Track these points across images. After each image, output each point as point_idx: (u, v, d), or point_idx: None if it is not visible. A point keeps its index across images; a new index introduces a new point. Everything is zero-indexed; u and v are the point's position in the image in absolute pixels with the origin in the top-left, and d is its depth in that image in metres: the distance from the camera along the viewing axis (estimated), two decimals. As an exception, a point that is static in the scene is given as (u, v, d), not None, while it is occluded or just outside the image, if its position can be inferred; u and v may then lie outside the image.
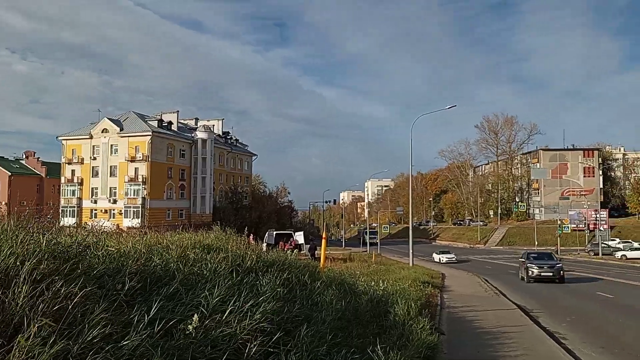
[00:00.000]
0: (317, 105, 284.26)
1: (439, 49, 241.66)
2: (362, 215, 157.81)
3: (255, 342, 4.01)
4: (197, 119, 78.88)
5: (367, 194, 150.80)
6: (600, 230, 59.53)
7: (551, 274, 24.32)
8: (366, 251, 50.99)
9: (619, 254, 48.78)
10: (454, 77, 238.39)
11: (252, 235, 16.08)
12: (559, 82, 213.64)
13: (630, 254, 47.75)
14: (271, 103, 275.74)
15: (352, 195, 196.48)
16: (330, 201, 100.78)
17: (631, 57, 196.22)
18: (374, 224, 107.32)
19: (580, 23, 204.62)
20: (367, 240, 67.94)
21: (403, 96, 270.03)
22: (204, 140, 68.54)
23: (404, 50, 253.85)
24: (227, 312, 4.15)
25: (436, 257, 46.99)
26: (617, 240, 61.19)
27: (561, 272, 24.57)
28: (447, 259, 44.86)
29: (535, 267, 24.64)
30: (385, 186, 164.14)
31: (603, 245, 53.30)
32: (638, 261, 44.42)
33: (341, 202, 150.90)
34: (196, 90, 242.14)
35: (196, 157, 68.05)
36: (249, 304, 4.38)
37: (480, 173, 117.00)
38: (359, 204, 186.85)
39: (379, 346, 5.29)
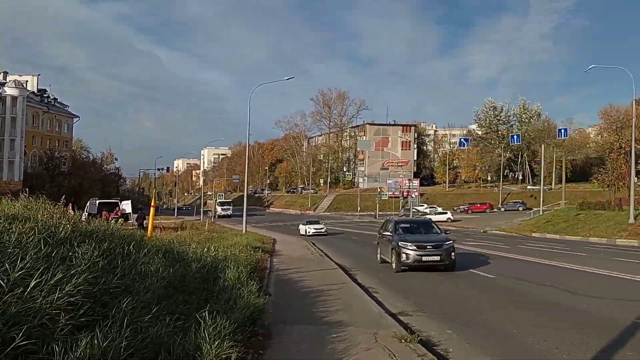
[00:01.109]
0: (152, 67, 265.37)
1: (279, 20, 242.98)
2: (197, 184, 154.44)
3: (65, 317, 3.76)
4: (6, 73, 68.23)
5: (203, 162, 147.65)
6: (412, 197, 67.35)
7: (437, 257, 14.95)
8: (199, 220, 50.23)
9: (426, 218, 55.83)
10: (294, 50, 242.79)
11: (70, 204, 14.71)
12: (385, 62, 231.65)
13: (435, 217, 55.10)
14: (98, 61, 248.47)
15: (187, 163, 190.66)
16: (163, 169, 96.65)
17: (447, 44, 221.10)
18: (209, 192, 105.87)
19: (407, 9, 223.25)
20: (220, 213, 66.22)
21: (243, 65, 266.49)
22: (14, 98, 60.11)
23: (245, 18, 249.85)
24: (30, 286, 3.80)
25: (302, 228, 40.22)
26: (425, 205, 69.81)
27: (452, 253, 15.14)
28: (314, 231, 38.52)
29: (412, 248, 14.93)
30: (223, 154, 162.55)
31: (413, 210, 60.32)
32: (441, 223, 51.38)
33: (175, 169, 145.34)
34: (5, 40, 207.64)
35: (4, 116, 59.46)
36: (57, 277, 4.05)
37: (314, 144, 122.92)
38: (194, 172, 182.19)
39: (206, 311, 5.35)
